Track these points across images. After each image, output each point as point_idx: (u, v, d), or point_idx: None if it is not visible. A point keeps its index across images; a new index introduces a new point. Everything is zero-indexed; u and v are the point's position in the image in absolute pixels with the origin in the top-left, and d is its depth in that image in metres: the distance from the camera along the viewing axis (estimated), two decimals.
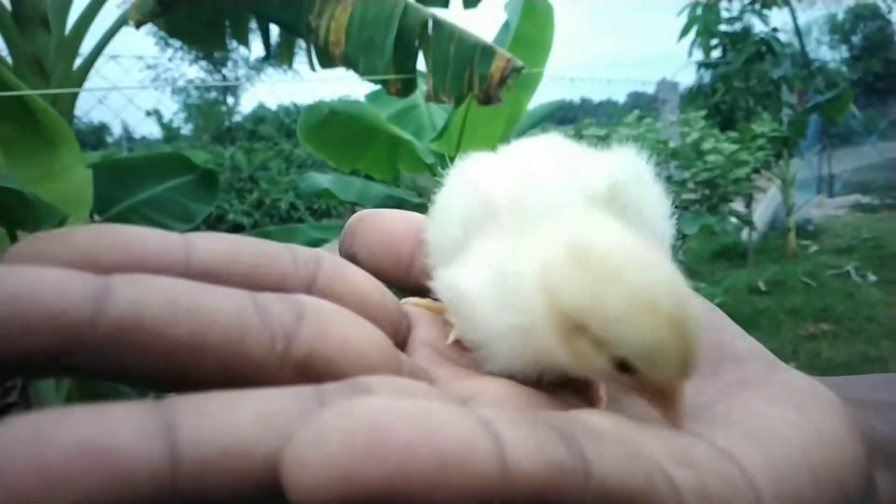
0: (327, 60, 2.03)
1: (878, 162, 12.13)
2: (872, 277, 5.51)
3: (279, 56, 2.41)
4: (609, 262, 0.24)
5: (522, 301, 0.26)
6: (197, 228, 1.81)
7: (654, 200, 0.30)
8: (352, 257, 0.32)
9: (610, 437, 0.20)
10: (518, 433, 0.17)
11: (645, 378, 0.24)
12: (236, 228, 8.43)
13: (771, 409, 0.25)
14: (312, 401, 0.18)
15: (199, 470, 0.16)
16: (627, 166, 0.30)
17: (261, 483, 0.17)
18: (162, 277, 0.20)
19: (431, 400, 0.18)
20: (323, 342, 0.21)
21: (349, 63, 1.89)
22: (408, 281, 0.31)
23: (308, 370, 0.21)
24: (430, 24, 1.83)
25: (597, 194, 0.28)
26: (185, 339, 0.19)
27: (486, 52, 1.84)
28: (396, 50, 1.82)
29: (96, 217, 2.08)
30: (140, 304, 0.19)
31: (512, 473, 0.16)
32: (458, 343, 0.30)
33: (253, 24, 2.38)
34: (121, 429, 0.16)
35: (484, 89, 1.85)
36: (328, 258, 0.27)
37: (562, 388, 0.28)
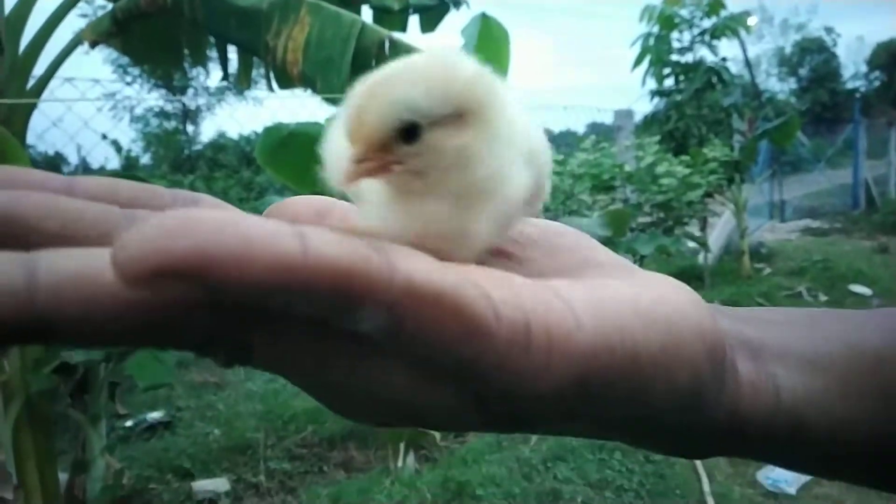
0: (285, 80, 2.05)
1: (826, 188, 12.54)
2: (823, 297, 5.68)
3: (238, 78, 2.42)
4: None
5: None
6: None
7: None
8: None
9: (424, 256, 0.22)
10: (324, 234, 0.19)
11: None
12: None
13: (611, 279, 0.27)
14: None
15: (55, 290, 0.18)
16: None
17: (113, 308, 0.19)
18: (38, 192, 0.23)
19: None
20: None
21: (306, 82, 1.90)
22: None
23: None
24: (387, 43, 1.86)
25: None
26: (54, 232, 0.22)
27: None
28: (354, 69, 1.84)
29: None
30: (14, 202, 0.22)
31: (314, 256, 0.18)
32: None
33: (211, 48, 2.39)
34: None
35: None
36: (208, 197, 0.29)
37: None
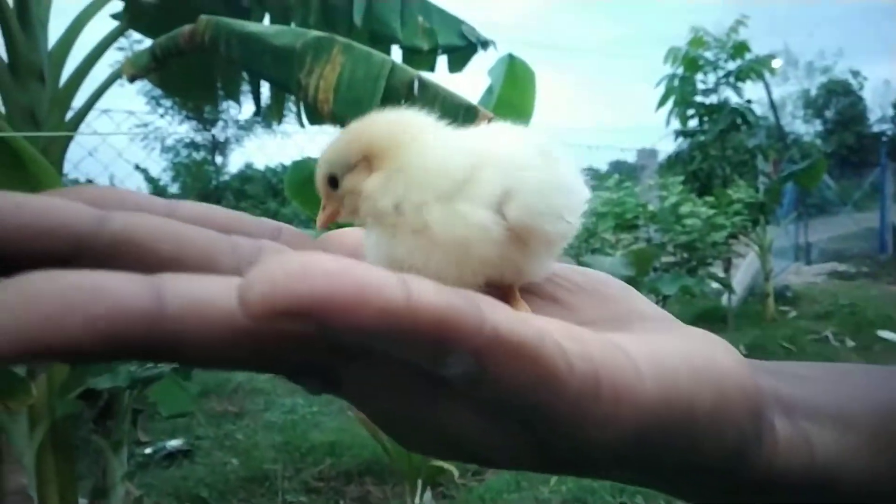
0: (315, 117, 2.09)
1: (853, 231, 12.37)
2: (851, 342, 5.56)
3: (269, 113, 2.48)
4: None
5: None
6: None
7: None
8: None
9: (506, 307, 0.23)
10: (422, 282, 0.20)
11: None
12: None
13: (662, 334, 0.29)
14: None
15: (180, 313, 0.20)
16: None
17: (229, 335, 0.20)
18: (151, 215, 0.25)
19: None
20: None
21: (337, 120, 1.94)
22: None
23: None
24: (416, 84, 1.90)
25: None
26: (168, 254, 0.24)
27: (470, 111, 1.91)
28: (383, 108, 1.87)
29: None
30: (133, 224, 0.24)
31: (417, 303, 0.19)
32: None
33: (244, 83, 2.45)
34: (115, 278, 0.19)
35: None
36: (289, 227, 0.33)
37: None
